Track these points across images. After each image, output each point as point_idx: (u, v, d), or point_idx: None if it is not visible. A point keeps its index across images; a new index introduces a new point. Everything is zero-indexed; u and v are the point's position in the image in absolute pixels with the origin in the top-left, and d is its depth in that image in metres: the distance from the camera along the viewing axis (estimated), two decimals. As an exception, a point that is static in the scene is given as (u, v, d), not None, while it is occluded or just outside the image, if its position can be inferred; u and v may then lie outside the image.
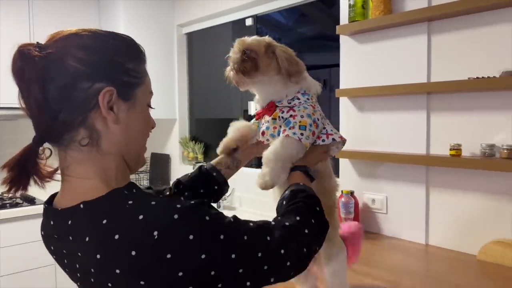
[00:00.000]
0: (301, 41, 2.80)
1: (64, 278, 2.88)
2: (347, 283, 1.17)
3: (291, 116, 1.02)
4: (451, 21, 1.74)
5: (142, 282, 0.63)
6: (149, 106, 0.82)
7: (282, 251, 0.74)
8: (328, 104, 2.26)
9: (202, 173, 1.09)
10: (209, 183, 1.08)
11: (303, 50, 2.90)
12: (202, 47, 3.39)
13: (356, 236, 1.26)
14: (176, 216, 0.64)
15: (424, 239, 1.84)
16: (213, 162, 1.12)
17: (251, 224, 0.75)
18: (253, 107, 2.76)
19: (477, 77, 1.60)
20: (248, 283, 0.70)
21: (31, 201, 2.83)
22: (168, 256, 0.63)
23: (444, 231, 1.80)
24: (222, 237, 0.67)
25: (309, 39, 2.82)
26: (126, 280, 0.65)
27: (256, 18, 2.81)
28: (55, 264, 2.76)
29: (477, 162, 1.61)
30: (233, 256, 0.67)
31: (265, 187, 0.97)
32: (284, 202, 0.89)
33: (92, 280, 0.69)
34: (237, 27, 3.03)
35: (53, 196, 0.79)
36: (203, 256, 0.64)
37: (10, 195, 2.90)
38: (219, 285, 0.67)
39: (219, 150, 1.13)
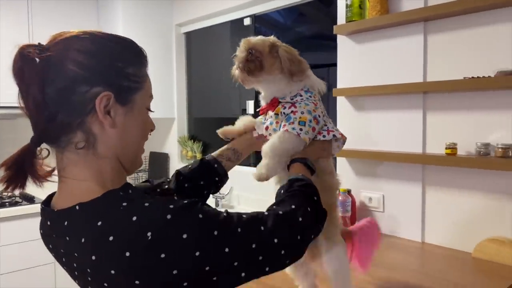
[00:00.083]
0: (299, 41, 2.82)
1: (63, 276, 2.91)
2: (350, 282, 1.17)
3: (292, 112, 1.04)
4: (447, 21, 1.75)
5: (137, 282, 0.65)
6: (149, 109, 0.82)
7: (276, 240, 0.75)
8: (326, 103, 2.27)
9: (203, 164, 1.10)
10: (210, 175, 1.09)
11: (301, 49, 2.89)
12: (201, 46, 3.41)
13: (367, 233, 1.24)
14: (169, 217, 0.65)
15: (420, 237, 1.86)
16: (214, 154, 1.14)
17: (244, 216, 0.75)
18: (251, 107, 2.78)
19: (473, 77, 1.62)
20: (243, 274, 0.71)
21: (30, 199, 2.84)
22: (162, 256, 0.64)
23: (440, 229, 1.82)
24: (216, 233, 0.68)
25: (307, 38, 2.83)
26: (121, 280, 0.66)
27: (254, 17, 2.83)
28: (55, 262, 2.78)
29: (472, 160, 1.63)
30: (226, 250, 0.68)
31: (260, 178, 0.99)
32: (282, 191, 0.90)
33: (89, 279, 0.70)
34: (235, 27, 3.05)
35: (51, 196, 0.80)
36: (197, 254, 0.66)
37: (9, 194, 2.91)
38: (214, 279, 0.68)
39: (219, 130, 1.18)
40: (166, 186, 1.04)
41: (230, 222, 0.72)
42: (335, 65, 2.18)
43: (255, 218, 0.76)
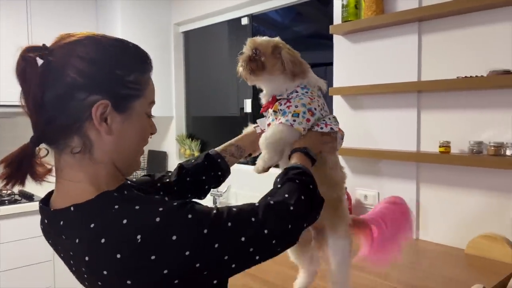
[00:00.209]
0: (297, 40, 2.84)
1: (62, 274, 2.93)
2: (349, 276, 1.19)
3: (287, 107, 1.08)
4: (441, 21, 1.78)
5: (128, 282, 0.67)
6: (149, 115, 0.82)
7: (266, 231, 0.75)
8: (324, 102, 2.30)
9: (206, 158, 1.11)
10: (213, 169, 1.11)
11: (299, 48, 2.91)
12: (199, 45, 3.43)
13: (388, 219, 1.22)
14: (158, 219, 0.67)
15: (415, 234, 1.89)
16: (218, 148, 1.16)
17: (234, 209, 0.76)
18: (249, 105, 2.80)
19: (466, 76, 1.64)
20: (233, 266, 0.73)
21: (29, 197, 2.86)
22: (152, 257, 0.66)
23: (433, 226, 1.85)
24: (205, 231, 0.69)
25: (305, 38, 2.85)
26: (114, 280, 0.68)
27: (252, 17, 2.85)
28: (53, 260, 2.80)
29: (465, 158, 1.65)
30: (216, 245, 0.70)
31: (258, 171, 1.04)
32: (278, 180, 0.90)
33: (85, 276, 0.73)
34: (233, 26, 3.07)
35: (50, 194, 0.82)
36: (187, 253, 0.67)
37: (9, 191, 2.93)
38: (205, 273, 0.70)
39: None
40: (167, 180, 1.05)
41: (220, 218, 0.72)
42: (332, 64, 2.20)
43: (246, 210, 0.77)
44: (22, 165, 0.74)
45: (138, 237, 0.66)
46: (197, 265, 0.68)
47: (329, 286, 1.20)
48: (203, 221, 0.71)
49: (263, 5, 2.72)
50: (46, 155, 0.77)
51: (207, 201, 1.15)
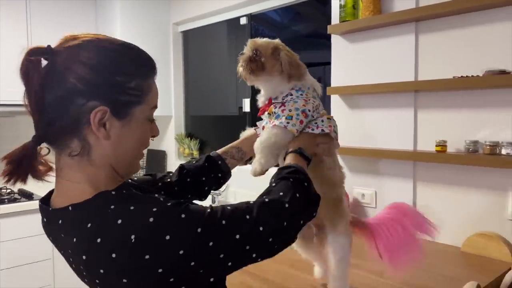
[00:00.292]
0: (295, 39, 2.85)
1: (61, 272, 2.94)
2: (348, 272, 1.22)
3: (281, 110, 1.10)
4: (438, 21, 1.79)
5: (124, 280, 0.69)
6: (151, 119, 0.83)
7: (261, 228, 0.76)
8: (322, 101, 2.31)
9: (207, 160, 1.12)
10: (213, 171, 1.12)
11: (298, 48, 2.92)
12: (198, 45, 3.44)
13: (389, 225, 1.24)
14: (151, 220, 0.68)
15: (412, 232, 1.91)
16: (220, 151, 1.17)
17: (229, 208, 0.77)
18: (248, 105, 2.81)
19: (462, 76, 1.66)
20: (229, 264, 0.74)
21: (29, 196, 2.87)
22: (147, 257, 0.67)
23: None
24: (199, 230, 0.70)
25: (303, 37, 2.86)
26: (110, 278, 0.70)
27: (251, 17, 2.86)
28: (53, 258, 2.81)
29: (461, 157, 1.67)
30: (211, 244, 0.71)
31: (255, 174, 1.04)
32: (273, 180, 0.91)
33: (84, 273, 0.75)
34: (232, 26, 3.08)
35: (50, 193, 0.83)
36: (181, 252, 0.68)
37: (8, 190, 2.94)
38: (201, 271, 0.71)
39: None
40: (168, 180, 1.06)
41: (214, 217, 0.73)
42: (330, 63, 2.21)
43: (240, 208, 0.78)
44: (24, 162, 0.75)
45: (132, 237, 0.67)
46: (192, 263, 0.70)
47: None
48: (197, 220, 0.71)
49: (261, 5, 2.73)
50: (48, 153, 0.79)
51: (206, 200, 1.17)
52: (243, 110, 2.92)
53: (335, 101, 2.18)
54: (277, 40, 1.17)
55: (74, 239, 0.72)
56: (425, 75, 1.84)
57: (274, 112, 1.11)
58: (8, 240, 2.68)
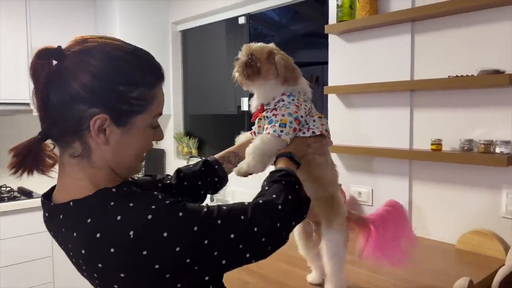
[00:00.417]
0: (294, 39, 2.87)
1: (61, 270, 2.96)
2: (343, 268, 1.24)
3: (273, 115, 1.12)
4: (433, 21, 1.82)
5: (122, 275, 0.71)
6: (154, 126, 0.84)
7: (255, 229, 0.78)
8: (321, 100, 2.33)
9: (204, 165, 1.14)
10: (210, 175, 1.14)
11: (296, 47, 2.97)
12: (196, 44, 3.45)
13: (387, 221, 1.28)
14: (150, 217, 0.71)
15: (407, 230, 1.93)
16: (217, 155, 1.19)
17: (225, 208, 0.79)
18: (246, 103, 2.83)
19: (457, 76, 1.68)
20: (223, 262, 0.76)
21: (28, 194, 2.89)
22: (144, 253, 0.69)
23: (425, 222, 1.89)
24: (195, 228, 0.72)
25: (302, 37, 2.88)
26: (108, 273, 0.72)
27: (249, 16, 2.88)
28: (52, 256, 2.83)
29: (456, 156, 1.69)
30: (206, 242, 0.73)
31: (239, 173, 1.06)
32: (265, 183, 0.94)
33: (83, 267, 0.77)
34: (231, 25, 3.10)
35: (52, 189, 0.85)
36: (177, 249, 0.70)
37: (8, 188, 2.96)
38: (196, 268, 0.73)
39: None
40: (168, 182, 1.08)
41: (210, 216, 0.75)
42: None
43: (236, 208, 0.80)
44: (30, 155, 0.77)
45: (131, 233, 0.69)
46: (188, 260, 0.72)
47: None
48: (193, 218, 0.73)
49: (260, 4, 2.75)
50: (53, 148, 0.81)
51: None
52: (242, 109, 2.94)
53: (332, 100, 2.20)
54: (272, 44, 1.19)
55: (75, 234, 0.74)
56: (421, 75, 1.86)
57: (266, 117, 1.13)
58: (8, 238, 2.70)
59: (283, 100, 1.14)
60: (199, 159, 1.19)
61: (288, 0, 2.56)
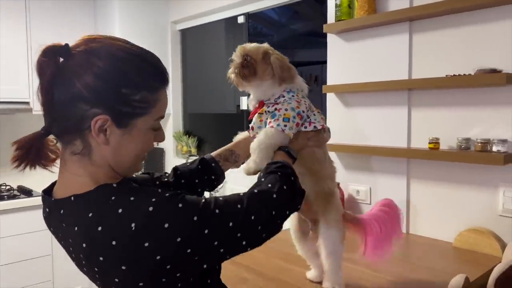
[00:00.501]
0: (294, 38, 2.88)
1: (60, 268, 2.96)
2: (340, 264, 1.26)
3: (276, 109, 1.13)
4: (431, 21, 1.83)
5: (123, 268, 0.72)
6: (156, 128, 0.84)
7: (253, 217, 0.80)
8: (320, 99, 2.34)
9: (201, 163, 1.15)
10: (207, 173, 1.15)
11: (295, 46, 2.98)
12: (196, 43, 3.46)
13: (382, 220, 1.30)
14: (151, 209, 0.72)
15: (405, 228, 1.94)
16: (213, 153, 1.20)
17: (221, 198, 0.81)
18: (245, 103, 2.84)
19: (454, 75, 1.69)
20: (221, 250, 0.78)
21: (28, 193, 2.90)
22: (146, 244, 0.70)
23: (423, 220, 1.90)
24: (195, 218, 0.74)
25: (301, 36, 2.89)
26: (109, 265, 0.73)
27: (248, 15, 2.89)
28: (52, 254, 2.84)
29: (453, 154, 1.70)
30: (206, 231, 0.74)
31: (248, 172, 1.08)
32: (262, 174, 0.96)
33: (83, 262, 0.78)
34: (230, 25, 3.11)
35: (52, 185, 0.86)
36: (178, 240, 0.72)
37: (8, 187, 2.96)
38: (196, 258, 0.75)
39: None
40: (165, 180, 1.09)
41: (208, 206, 0.77)
42: (327, 62, 2.24)
43: (232, 199, 0.82)
44: (33, 149, 0.78)
45: (133, 225, 0.71)
46: (188, 250, 0.73)
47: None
48: (193, 209, 0.75)
49: (259, 4, 2.76)
50: (56, 143, 0.82)
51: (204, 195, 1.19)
52: (241, 108, 2.95)
53: (331, 99, 2.21)
54: (266, 44, 1.20)
55: (76, 228, 0.75)
56: (419, 74, 1.87)
57: (268, 111, 1.14)
58: (8, 236, 2.71)
59: (283, 96, 1.15)
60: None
61: (286, -1, 2.57)
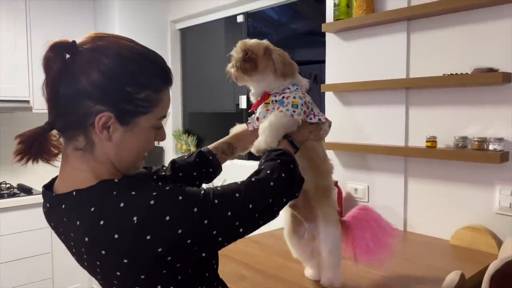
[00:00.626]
0: (293, 37, 2.89)
1: (60, 265, 2.97)
2: (340, 261, 1.27)
3: (283, 97, 1.15)
4: (429, 20, 1.84)
5: (125, 261, 0.73)
6: (157, 127, 0.85)
7: (250, 206, 0.82)
8: (319, 98, 2.35)
9: (198, 156, 1.17)
10: (204, 166, 1.16)
11: (295, 45, 2.99)
12: (195, 42, 3.47)
13: (361, 223, 1.33)
14: (152, 202, 0.73)
15: (403, 226, 1.96)
16: (210, 146, 1.21)
17: (219, 188, 0.82)
18: (244, 101, 2.85)
19: (451, 74, 1.71)
20: (220, 238, 0.79)
21: (28, 191, 2.91)
22: (148, 237, 0.72)
23: (420, 218, 1.91)
24: (195, 209, 0.75)
25: (301, 35, 2.90)
26: (111, 259, 0.74)
27: (247, 15, 2.90)
28: (52, 252, 2.85)
29: (450, 153, 1.72)
30: (206, 222, 0.76)
31: (258, 150, 1.08)
32: (262, 161, 0.97)
33: (84, 256, 0.79)
34: (229, 24, 3.11)
35: (53, 180, 0.87)
36: (179, 231, 0.73)
37: (8, 185, 2.97)
38: (195, 248, 0.76)
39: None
40: (163, 173, 1.11)
41: (207, 197, 0.78)
42: (326, 61, 2.25)
43: (231, 188, 0.83)
44: (35, 143, 0.79)
45: (135, 218, 0.72)
46: (189, 241, 0.74)
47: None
48: (193, 201, 0.77)
49: (258, 3, 2.77)
50: (59, 138, 0.84)
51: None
52: (240, 107, 2.96)
53: (329, 98, 2.22)
54: (266, 41, 1.22)
55: (78, 222, 0.76)
56: (416, 73, 1.88)
57: (275, 101, 1.16)
58: (8, 234, 2.72)
59: (289, 88, 1.17)
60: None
61: (286, -2, 2.58)
